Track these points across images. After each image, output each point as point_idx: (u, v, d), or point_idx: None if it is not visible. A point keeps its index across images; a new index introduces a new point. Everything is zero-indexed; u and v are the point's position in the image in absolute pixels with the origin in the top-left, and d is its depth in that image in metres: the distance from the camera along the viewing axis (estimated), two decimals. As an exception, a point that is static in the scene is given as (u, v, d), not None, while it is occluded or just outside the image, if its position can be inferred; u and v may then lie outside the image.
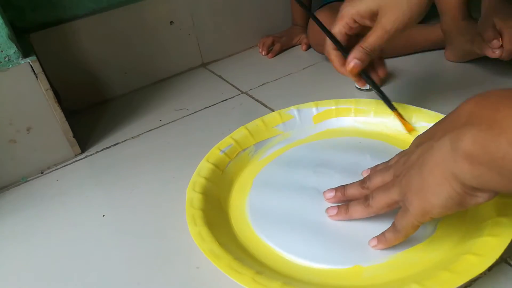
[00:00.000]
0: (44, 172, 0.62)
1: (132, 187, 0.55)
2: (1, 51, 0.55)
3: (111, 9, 0.78)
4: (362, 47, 0.47)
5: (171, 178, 0.56)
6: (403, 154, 0.38)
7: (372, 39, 0.47)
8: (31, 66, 0.57)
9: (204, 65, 0.93)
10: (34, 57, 0.57)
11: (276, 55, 0.88)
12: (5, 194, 0.59)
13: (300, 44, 0.91)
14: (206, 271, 0.41)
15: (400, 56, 0.78)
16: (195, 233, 0.41)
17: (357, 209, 0.40)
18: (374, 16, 0.46)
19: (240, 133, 0.56)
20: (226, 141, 0.54)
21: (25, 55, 0.57)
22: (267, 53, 0.89)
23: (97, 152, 0.66)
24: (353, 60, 0.48)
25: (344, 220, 0.42)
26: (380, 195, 0.37)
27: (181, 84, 0.85)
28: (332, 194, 0.44)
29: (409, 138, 0.51)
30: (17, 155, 0.59)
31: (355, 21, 0.48)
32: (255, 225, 0.44)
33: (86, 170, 0.62)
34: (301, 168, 0.50)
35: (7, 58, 0.56)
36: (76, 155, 0.65)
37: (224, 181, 0.50)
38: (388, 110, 0.54)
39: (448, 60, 0.74)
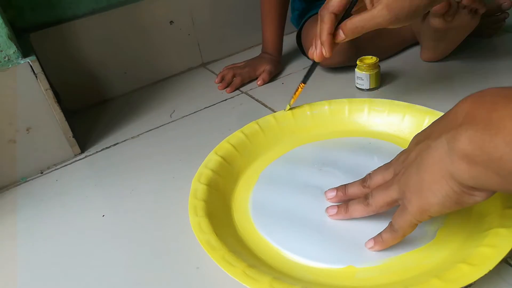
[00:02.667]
0: (44, 172, 0.62)
1: (132, 187, 0.55)
2: (1, 51, 0.55)
3: (111, 9, 0.78)
4: (346, 24, 0.46)
5: (171, 178, 0.55)
6: (403, 152, 0.38)
7: (361, 19, 0.45)
8: (31, 66, 0.57)
9: (204, 65, 0.93)
10: (33, 57, 0.57)
11: (236, 89, 0.78)
12: (5, 194, 0.59)
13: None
14: (206, 271, 0.41)
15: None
16: (195, 223, 0.41)
17: (356, 208, 0.40)
18: None
19: (250, 128, 0.56)
20: (236, 136, 0.54)
21: (25, 55, 0.57)
22: (225, 87, 0.78)
23: (97, 152, 0.65)
24: (339, 31, 0.47)
25: (344, 220, 0.42)
26: (380, 193, 0.37)
27: (181, 84, 0.85)
28: (333, 193, 0.44)
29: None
30: (17, 155, 0.59)
31: None
32: (256, 219, 0.45)
33: (86, 170, 0.62)
34: (307, 166, 0.51)
35: (6, 58, 0.56)
36: (76, 155, 0.65)
37: (231, 174, 0.51)
38: (400, 112, 0.55)
39: (424, 60, 0.75)
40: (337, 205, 0.43)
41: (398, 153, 0.40)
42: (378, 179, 0.40)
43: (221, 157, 0.51)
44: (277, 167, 0.52)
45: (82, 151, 0.66)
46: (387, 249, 0.38)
